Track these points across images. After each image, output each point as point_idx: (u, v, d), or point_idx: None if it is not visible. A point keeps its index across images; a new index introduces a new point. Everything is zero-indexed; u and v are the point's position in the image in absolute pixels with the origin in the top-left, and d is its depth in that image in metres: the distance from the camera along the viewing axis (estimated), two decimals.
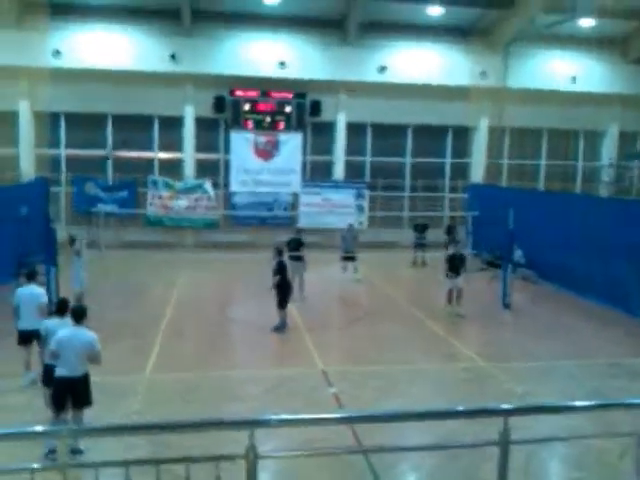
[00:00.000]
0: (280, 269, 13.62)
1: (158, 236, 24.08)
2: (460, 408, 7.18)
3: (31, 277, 10.43)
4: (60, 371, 7.66)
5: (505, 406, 4.20)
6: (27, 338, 9.89)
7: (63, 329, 7.86)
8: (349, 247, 19.03)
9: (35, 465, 3.66)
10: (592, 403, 7.27)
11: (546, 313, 15.62)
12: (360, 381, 10.55)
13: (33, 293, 10.09)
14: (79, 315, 7.88)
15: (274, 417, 4.03)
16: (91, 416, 7.79)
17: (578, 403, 5.20)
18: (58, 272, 13.83)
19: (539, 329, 14.12)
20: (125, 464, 3.63)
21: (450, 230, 22.91)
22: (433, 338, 13.30)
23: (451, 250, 15.87)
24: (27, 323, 9.83)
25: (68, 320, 8.02)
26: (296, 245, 16.33)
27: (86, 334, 7.75)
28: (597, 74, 25.95)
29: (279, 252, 13.93)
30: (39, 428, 3.97)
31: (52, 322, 8.34)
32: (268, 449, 6.08)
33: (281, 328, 13.53)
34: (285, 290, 13.63)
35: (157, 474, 3.53)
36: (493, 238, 19.66)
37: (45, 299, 10.14)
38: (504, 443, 4.00)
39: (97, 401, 7.90)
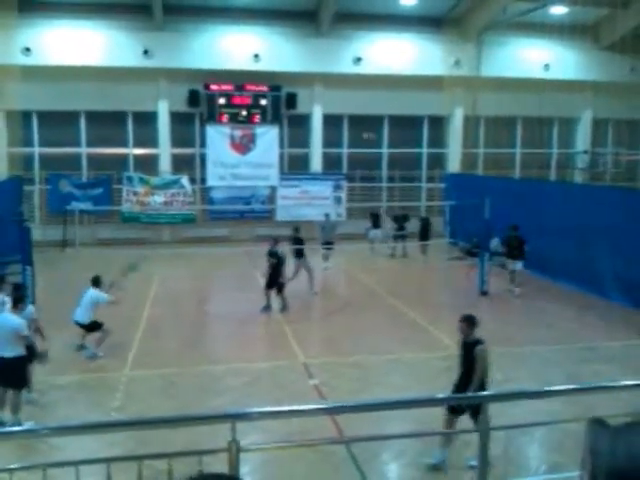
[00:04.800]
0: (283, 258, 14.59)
1: (134, 232, 23.83)
2: (440, 396, 7.26)
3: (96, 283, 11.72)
4: None
5: (484, 393, 4.25)
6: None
7: None
8: (328, 236, 19.55)
9: (14, 465, 3.63)
10: (570, 387, 7.38)
11: (523, 299, 15.76)
12: (341, 372, 10.59)
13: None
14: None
15: (256, 410, 4.03)
16: (72, 414, 7.73)
17: (556, 388, 5.26)
18: (34, 271, 13.71)
19: (516, 315, 14.27)
20: (107, 461, 3.61)
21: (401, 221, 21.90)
22: (412, 327, 13.37)
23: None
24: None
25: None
26: (296, 242, 16.48)
27: (13, 320, 8.20)
28: (570, 61, 26.11)
29: (277, 242, 14.76)
30: (18, 428, 3.94)
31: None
32: (250, 442, 6.08)
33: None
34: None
35: (139, 470, 3.51)
36: (470, 227, 19.79)
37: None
38: (484, 430, 4.04)
39: (77, 398, 7.84)
